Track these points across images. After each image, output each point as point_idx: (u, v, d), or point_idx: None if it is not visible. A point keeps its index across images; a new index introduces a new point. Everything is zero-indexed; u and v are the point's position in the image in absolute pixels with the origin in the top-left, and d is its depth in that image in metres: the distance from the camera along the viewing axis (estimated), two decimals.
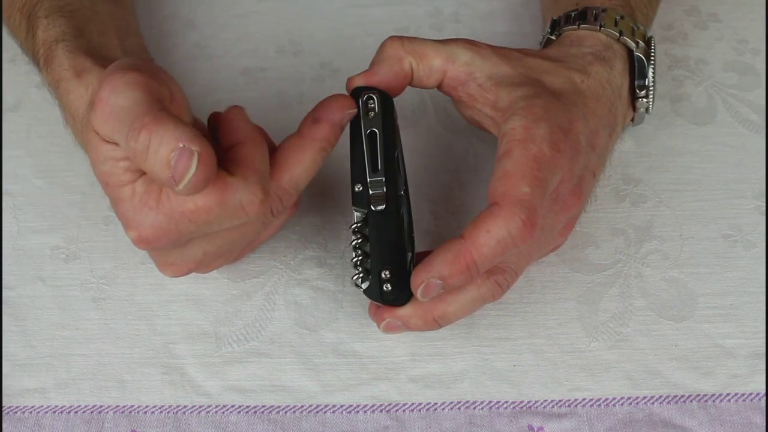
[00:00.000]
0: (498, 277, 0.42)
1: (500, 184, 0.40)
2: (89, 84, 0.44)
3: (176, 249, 0.41)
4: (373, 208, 0.42)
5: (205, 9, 0.62)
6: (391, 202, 0.42)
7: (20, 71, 0.58)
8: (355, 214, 0.42)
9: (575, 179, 0.43)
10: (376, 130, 0.43)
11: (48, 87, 0.48)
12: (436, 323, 0.42)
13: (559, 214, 0.43)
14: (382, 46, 0.45)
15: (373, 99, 0.43)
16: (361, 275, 0.42)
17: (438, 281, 0.40)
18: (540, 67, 0.45)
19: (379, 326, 0.43)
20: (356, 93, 0.43)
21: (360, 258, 0.42)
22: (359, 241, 0.42)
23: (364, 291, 0.42)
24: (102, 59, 0.45)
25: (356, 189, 0.42)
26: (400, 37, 0.45)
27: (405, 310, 0.42)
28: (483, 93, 0.44)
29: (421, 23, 0.60)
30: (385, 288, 0.41)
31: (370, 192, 0.42)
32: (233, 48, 0.59)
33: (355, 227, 0.42)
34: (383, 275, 0.41)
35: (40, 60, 0.47)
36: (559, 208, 0.43)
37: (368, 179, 0.42)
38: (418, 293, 0.40)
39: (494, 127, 0.45)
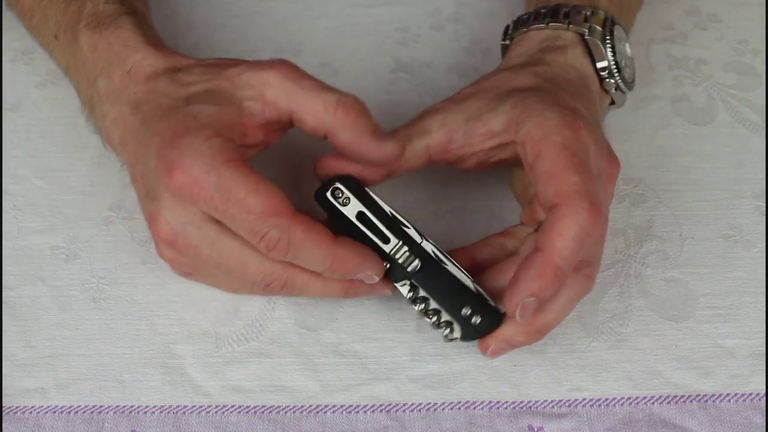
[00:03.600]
0: (585, 270, 0.42)
1: (548, 186, 0.39)
2: (168, 56, 0.44)
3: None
4: (410, 272, 0.42)
5: (204, 9, 0.62)
6: (421, 254, 0.43)
7: (20, 71, 0.58)
8: (400, 289, 0.43)
9: (603, 146, 0.42)
10: (362, 210, 0.43)
11: (80, 48, 0.47)
12: (540, 333, 0.42)
13: (608, 184, 0.42)
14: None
15: (340, 190, 0.43)
16: (448, 330, 0.43)
17: (532, 299, 0.39)
18: (504, 79, 0.45)
19: (486, 354, 0.43)
20: (324, 188, 0.43)
21: (436, 318, 0.43)
22: (423, 306, 0.43)
23: (461, 339, 0.43)
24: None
25: (385, 267, 0.43)
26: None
27: (507, 331, 0.42)
28: (472, 135, 0.44)
29: (421, 23, 0.60)
30: (474, 322, 0.42)
31: (399, 261, 0.42)
32: (233, 48, 0.59)
33: (411, 297, 0.43)
34: (464, 314, 0.42)
35: (88, 25, 0.46)
36: (606, 179, 0.42)
37: (389, 253, 0.43)
38: (517, 315, 0.40)
39: (506, 151, 0.44)
